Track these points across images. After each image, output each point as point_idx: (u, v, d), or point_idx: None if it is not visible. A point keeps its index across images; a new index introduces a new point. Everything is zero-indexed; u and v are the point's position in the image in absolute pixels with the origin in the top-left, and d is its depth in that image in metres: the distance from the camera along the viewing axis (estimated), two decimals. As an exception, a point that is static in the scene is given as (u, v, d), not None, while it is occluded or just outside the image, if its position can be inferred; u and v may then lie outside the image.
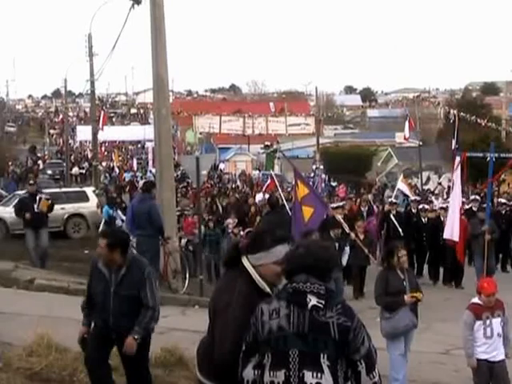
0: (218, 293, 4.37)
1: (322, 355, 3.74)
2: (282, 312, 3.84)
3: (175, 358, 7.68)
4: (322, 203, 14.63)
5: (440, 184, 38.01)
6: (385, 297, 8.35)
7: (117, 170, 50.42)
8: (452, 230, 15.41)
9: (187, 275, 14.85)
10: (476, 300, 7.64)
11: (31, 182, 19.17)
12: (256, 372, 3.90)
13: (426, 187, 37.29)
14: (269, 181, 30.29)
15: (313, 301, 3.80)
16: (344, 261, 14.99)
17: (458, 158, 16.40)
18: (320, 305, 3.79)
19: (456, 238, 15.43)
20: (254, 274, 4.24)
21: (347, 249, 15.30)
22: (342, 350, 3.76)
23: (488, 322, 7.49)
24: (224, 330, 4.08)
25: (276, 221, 12.95)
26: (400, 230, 18.44)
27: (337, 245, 14.19)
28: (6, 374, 6.68)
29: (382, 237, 19.25)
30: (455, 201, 15.83)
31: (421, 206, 19.18)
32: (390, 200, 21.17)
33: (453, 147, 20.03)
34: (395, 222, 18.71)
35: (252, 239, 4.43)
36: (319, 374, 3.73)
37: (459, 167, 15.97)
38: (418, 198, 22.04)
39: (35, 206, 16.37)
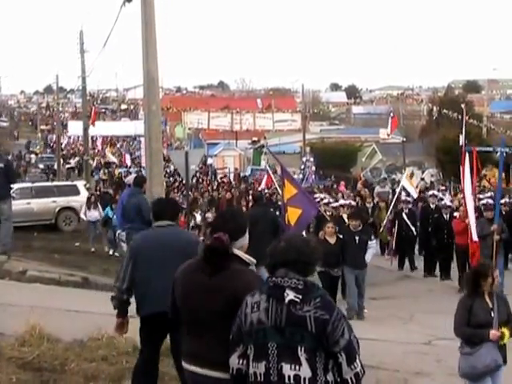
0: (220, 290, 4.36)
1: (299, 348, 3.80)
2: (261, 305, 3.93)
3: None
4: (311, 203, 14.02)
5: (423, 179, 38.66)
6: (465, 328, 6.86)
7: (114, 162, 50.75)
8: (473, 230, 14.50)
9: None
10: None
11: None
12: (241, 361, 4.02)
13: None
14: (266, 176, 30.83)
15: (290, 295, 3.85)
16: (368, 257, 12.87)
17: (467, 155, 15.51)
18: (297, 299, 3.84)
19: (475, 238, 14.43)
20: (243, 255, 4.51)
21: (372, 243, 13.07)
22: (320, 342, 3.81)
23: None
24: None
25: (258, 215, 12.72)
26: (413, 228, 17.91)
27: (357, 238, 12.66)
28: (-1, 364, 6.71)
29: (394, 236, 18.68)
30: (469, 200, 14.94)
31: (443, 202, 18.10)
32: (404, 198, 20.20)
33: (461, 143, 18.64)
34: (407, 221, 18.14)
35: (235, 226, 4.57)
36: (297, 367, 3.79)
37: (468, 164, 15.22)
38: (435, 193, 20.76)
39: None
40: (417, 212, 19.62)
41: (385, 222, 20.21)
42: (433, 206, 18.14)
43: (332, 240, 12.81)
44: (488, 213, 15.04)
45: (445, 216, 16.94)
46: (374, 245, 13.29)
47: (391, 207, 19.93)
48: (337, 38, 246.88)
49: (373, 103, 64.93)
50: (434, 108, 46.80)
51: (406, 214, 18.43)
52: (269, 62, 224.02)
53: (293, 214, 12.83)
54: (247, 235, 4.60)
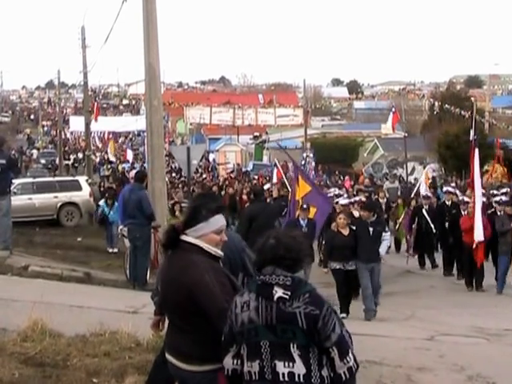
0: (175, 281, 4.42)
1: (291, 345, 3.81)
2: (251, 305, 3.92)
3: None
4: (325, 200, 13.87)
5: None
6: None
7: (113, 159, 50.61)
8: (478, 230, 14.12)
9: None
10: None
11: None
12: (235, 361, 4.02)
13: (411, 177, 37.98)
14: (275, 170, 30.89)
15: (279, 292, 3.84)
16: (383, 250, 12.40)
17: (476, 150, 14.96)
18: (286, 296, 3.83)
19: (481, 238, 14.11)
20: (200, 243, 4.46)
21: (387, 235, 12.55)
22: (312, 338, 3.81)
23: None
24: (211, 302, 4.25)
25: (259, 210, 12.70)
26: (432, 225, 17.53)
27: (371, 230, 12.20)
28: (1, 359, 6.72)
29: (413, 232, 18.18)
30: (477, 196, 14.47)
31: (461, 198, 17.18)
32: (425, 194, 19.73)
33: (471, 138, 17.90)
34: (427, 217, 17.74)
35: (189, 214, 4.61)
36: (291, 363, 3.80)
37: (477, 160, 14.86)
38: (450, 190, 19.69)
39: None
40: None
41: (401, 218, 19.76)
42: (448, 203, 17.51)
43: (345, 232, 12.37)
44: (507, 208, 14.51)
45: (463, 213, 15.95)
46: (387, 237, 12.66)
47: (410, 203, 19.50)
48: (339, 33, 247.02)
49: (374, 98, 65.02)
50: (436, 103, 46.82)
51: (425, 210, 18.04)
52: (270, 58, 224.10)
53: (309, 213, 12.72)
54: (206, 226, 4.50)
